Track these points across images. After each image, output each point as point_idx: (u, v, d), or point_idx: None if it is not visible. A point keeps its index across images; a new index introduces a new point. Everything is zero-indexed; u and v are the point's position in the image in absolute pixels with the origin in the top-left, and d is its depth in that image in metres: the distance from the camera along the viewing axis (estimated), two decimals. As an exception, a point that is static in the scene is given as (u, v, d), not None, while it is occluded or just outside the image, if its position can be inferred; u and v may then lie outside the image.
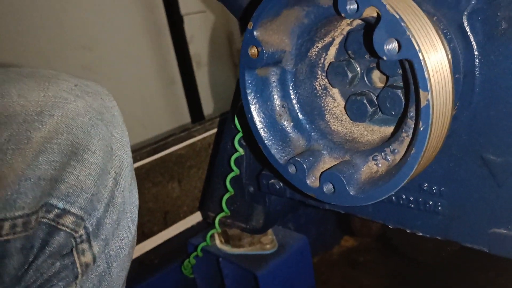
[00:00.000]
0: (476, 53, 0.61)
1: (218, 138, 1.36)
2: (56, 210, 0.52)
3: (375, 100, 0.68)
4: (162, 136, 1.44)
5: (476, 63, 0.61)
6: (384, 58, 0.52)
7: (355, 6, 0.54)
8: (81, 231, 0.54)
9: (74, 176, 0.52)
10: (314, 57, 0.71)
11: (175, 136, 1.42)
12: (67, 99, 0.53)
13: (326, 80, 0.72)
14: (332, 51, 0.71)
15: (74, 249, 0.54)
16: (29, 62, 1.66)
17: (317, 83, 0.73)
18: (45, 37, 1.70)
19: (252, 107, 0.69)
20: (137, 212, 0.62)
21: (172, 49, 2.16)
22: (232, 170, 1.03)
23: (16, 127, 0.49)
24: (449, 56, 0.62)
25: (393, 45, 0.52)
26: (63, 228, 0.52)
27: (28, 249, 0.50)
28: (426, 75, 0.50)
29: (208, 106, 2.24)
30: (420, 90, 0.51)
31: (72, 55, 1.81)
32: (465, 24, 0.61)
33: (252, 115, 0.70)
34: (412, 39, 0.50)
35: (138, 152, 1.31)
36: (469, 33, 0.61)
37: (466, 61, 0.62)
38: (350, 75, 0.69)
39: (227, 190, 1.06)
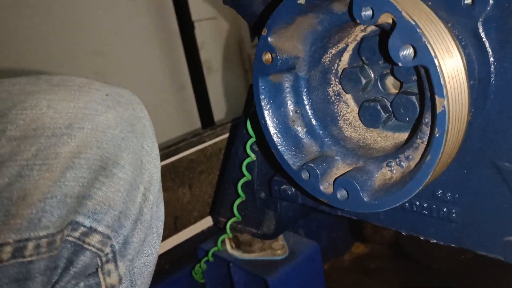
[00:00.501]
0: (491, 59, 0.61)
1: (230, 144, 1.37)
2: (82, 228, 0.49)
3: (388, 106, 0.68)
4: (173, 142, 1.44)
5: (491, 70, 0.61)
6: (400, 64, 0.52)
7: (370, 12, 0.54)
8: (107, 250, 0.51)
9: (102, 193, 0.50)
10: (328, 63, 0.71)
11: (186, 141, 1.43)
12: (97, 110, 0.51)
13: (340, 86, 0.72)
14: (346, 57, 0.71)
15: (99, 268, 0.51)
16: (42, 67, 1.68)
17: (330, 89, 0.73)
18: (58, 43, 1.73)
19: (266, 113, 0.70)
20: (162, 226, 0.60)
21: (183, 55, 2.17)
22: (244, 175, 1.03)
23: (44, 141, 0.47)
24: (464, 62, 0.62)
25: (409, 51, 0.52)
26: (89, 247, 0.50)
27: (52, 269, 0.48)
28: (442, 82, 0.50)
29: (218, 112, 2.25)
30: (436, 97, 0.51)
31: (84, 60, 1.83)
32: (480, 31, 0.61)
33: (265, 121, 0.70)
34: (428, 45, 0.50)
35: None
36: (484, 39, 0.61)
37: (481, 67, 0.62)
38: (363, 81, 0.69)
39: (239, 195, 1.06)
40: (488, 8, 0.60)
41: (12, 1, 1.59)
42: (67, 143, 0.48)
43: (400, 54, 0.52)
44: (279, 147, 0.69)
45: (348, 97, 0.73)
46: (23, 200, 0.45)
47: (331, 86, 0.73)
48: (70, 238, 0.49)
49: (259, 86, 0.69)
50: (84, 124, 0.50)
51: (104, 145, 0.50)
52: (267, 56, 0.66)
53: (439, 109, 0.51)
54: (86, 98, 0.51)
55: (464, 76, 0.53)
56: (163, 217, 0.60)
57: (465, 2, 0.61)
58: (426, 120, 0.57)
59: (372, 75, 0.69)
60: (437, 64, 0.50)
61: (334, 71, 0.72)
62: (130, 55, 2.03)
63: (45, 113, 0.48)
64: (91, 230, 0.50)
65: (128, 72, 2.01)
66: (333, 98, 0.73)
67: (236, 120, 1.47)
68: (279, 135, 0.70)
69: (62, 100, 0.50)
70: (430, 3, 0.64)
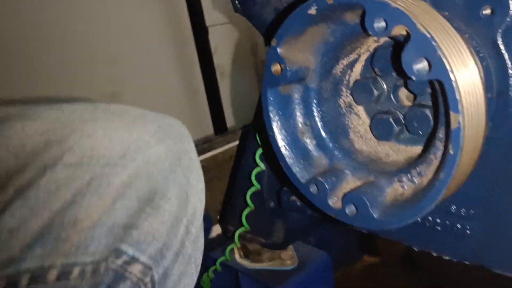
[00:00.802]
0: (510, 72, 0.59)
1: (240, 151, 1.35)
2: (125, 256, 0.50)
3: (401, 119, 0.66)
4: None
5: (510, 82, 0.59)
6: (413, 78, 0.50)
7: (383, 24, 0.52)
8: (147, 280, 0.52)
9: (147, 223, 0.51)
10: (339, 74, 0.69)
11: (197, 148, 1.42)
12: (149, 142, 0.52)
13: (351, 97, 0.70)
14: (358, 68, 0.69)
15: None
16: (58, 75, 1.69)
17: (341, 101, 0.71)
18: (72, 50, 1.73)
19: (274, 125, 0.68)
20: (201, 258, 0.60)
21: (196, 60, 2.17)
22: (253, 185, 1.02)
23: (98, 170, 0.48)
24: (482, 75, 0.60)
25: (423, 65, 0.50)
26: (130, 276, 0.50)
27: None
28: (458, 97, 0.48)
29: (231, 116, 2.24)
30: (451, 112, 0.49)
31: (100, 66, 1.83)
32: (499, 42, 0.58)
33: (273, 133, 0.68)
34: (443, 59, 0.48)
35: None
36: (503, 51, 0.59)
37: (500, 79, 0.60)
38: (376, 93, 0.66)
39: (247, 205, 1.05)
40: (508, 19, 0.58)
41: (32, 9, 1.60)
42: (119, 174, 0.49)
43: (414, 67, 0.50)
44: (287, 159, 0.68)
45: (360, 109, 0.71)
46: (74, 226, 0.46)
47: (342, 97, 0.71)
48: (112, 266, 0.49)
49: (267, 97, 0.67)
50: (136, 155, 0.50)
51: (154, 177, 0.51)
52: (276, 67, 0.64)
53: (454, 125, 0.49)
54: (140, 130, 0.52)
55: (481, 91, 0.50)
56: (202, 248, 0.60)
57: (484, 12, 0.59)
58: (440, 135, 0.54)
59: (385, 86, 0.67)
60: (452, 78, 0.47)
61: (345, 82, 0.70)
62: (145, 61, 2.03)
63: (101, 142, 0.49)
64: (134, 260, 0.50)
65: (142, 77, 2.01)
66: (344, 110, 0.71)
67: (245, 128, 1.45)
68: (287, 148, 0.68)
69: (117, 129, 0.51)
70: (447, 13, 0.62)
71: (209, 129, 2.15)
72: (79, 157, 0.48)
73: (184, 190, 0.54)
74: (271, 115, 0.68)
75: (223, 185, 1.44)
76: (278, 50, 0.63)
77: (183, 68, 2.22)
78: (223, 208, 1.39)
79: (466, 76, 0.49)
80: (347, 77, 0.70)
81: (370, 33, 0.54)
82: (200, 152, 1.41)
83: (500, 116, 0.60)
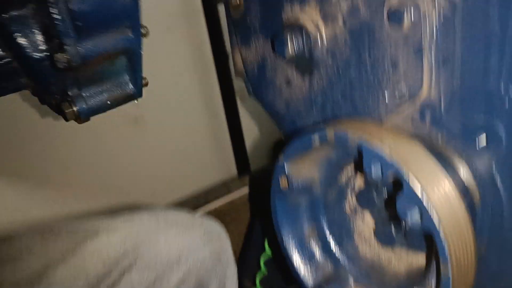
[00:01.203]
0: (504, 202, 0.61)
1: (253, 207, 1.39)
2: None
3: (404, 227, 0.69)
4: (203, 189, 1.48)
5: (504, 215, 0.61)
6: (408, 224, 0.54)
7: (379, 172, 0.56)
8: None
9: None
10: (344, 180, 0.73)
11: (215, 194, 1.47)
12: (198, 245, 0.68)
13: (357, 200, 0.74)
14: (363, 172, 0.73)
15: None
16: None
17: (347, 204, 0.74)
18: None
19: (283, 230, 0.72)
20: None
21: (217, 84, 2.21)
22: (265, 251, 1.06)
23: (160, 269, 0.63)
24: (478, 200, 0.63)
25: (416, 215, 0.53)
26: None
27: None
28: (447, 252, 0.51)
29: (251, 141, 2.27)
30: (441, 261, 0.52)
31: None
32: (494, 173, 0.61)
33: (282, 237, 0.73)
34: (433, 215, 0.51)
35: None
36: (497, 181, 0.61)
37: (495, 207, 0.63)
38: (379, 202, 0.70)
39: (261, 269, 1.10)
40: (501, 152, 0.60)
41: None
42: (176, 272, 0.64)
43: (408, 216, 0.53)
44: (295, 263, 0.72)
45: (365, 212, 0.74)
46: None
47: (348, 200, 0.74)
48: None
49: (276, 205, 0.71)
50: (189, 256, 0.66)
51: (201, 273, 0.66)
52: (284, 181, 0.68)
53: (444, 275, 0.52)
54: (192, 235, 0.68)
55: (472, 242, 0.53)
56: None
57: (479, 141, 0.62)
58: (433, 267, 0.58)
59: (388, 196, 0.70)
60: (442, 236, 0.51)
61: (351, 186, 0.74)
62: (167, 86, 2.08)
63: (163, 247, 0.65)
64: None
65: (165, 102, 2.06)
66: (349, 213, 0.74)
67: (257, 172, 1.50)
68: (295, 251, 0.72)
69: (175, 235, 0.67)
70: (445, 132, 0.65)
71: (232, 169, 2.20)
72: (147, 261, 0.63)
73: (222, 281, 0.69)
74: (279, 220, 0.72)
75: (241, 227, 1.48)
76: (285, 166, 0.68)
77: (204, 92, 2.27)
78: (240, 258, 1.43)
79: (458, 229, 0.52)
80: (352, 181, 0.74)
81: (367, 174, 0.57)
82: (216, 197, 1.46)
83: (496, 241, 0.63)
